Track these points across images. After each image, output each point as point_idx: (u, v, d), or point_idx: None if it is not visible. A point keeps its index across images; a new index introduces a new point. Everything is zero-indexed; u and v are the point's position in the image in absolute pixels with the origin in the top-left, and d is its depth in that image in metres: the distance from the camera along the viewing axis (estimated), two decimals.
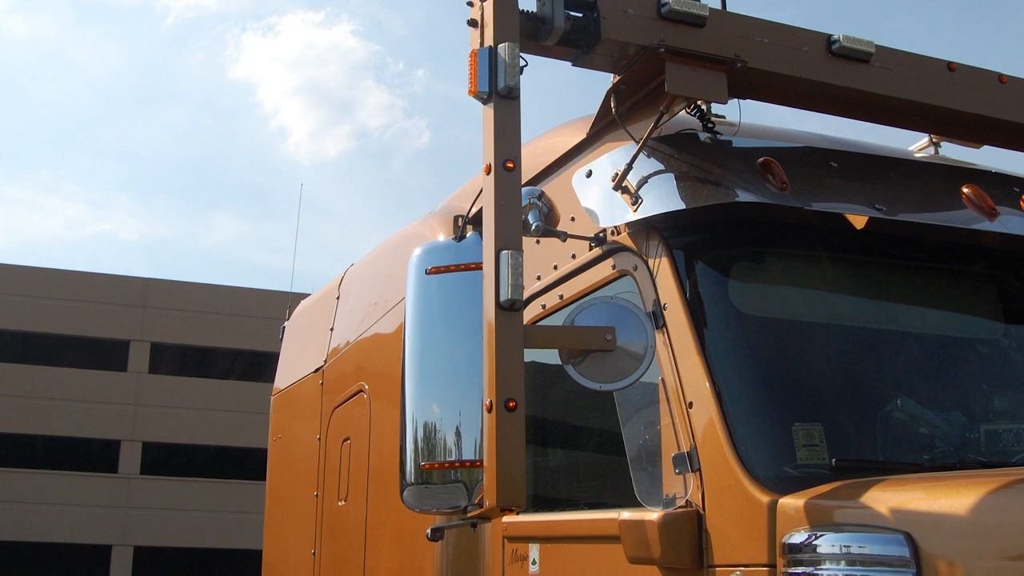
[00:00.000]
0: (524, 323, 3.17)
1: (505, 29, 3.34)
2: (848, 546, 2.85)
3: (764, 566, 3.03)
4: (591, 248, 4.03)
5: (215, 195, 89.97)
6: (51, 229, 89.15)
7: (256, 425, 26.57)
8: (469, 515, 3.92)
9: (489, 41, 3.33)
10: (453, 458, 3.96)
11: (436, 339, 4.14)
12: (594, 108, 4.10)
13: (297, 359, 8.10)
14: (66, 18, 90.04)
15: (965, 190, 3.99)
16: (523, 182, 3.43)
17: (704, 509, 3.28)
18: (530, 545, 4.19)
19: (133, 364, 45.44)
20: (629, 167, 3.75)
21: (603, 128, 4.19)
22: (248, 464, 41.28)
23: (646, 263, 3.74)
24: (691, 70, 3.63)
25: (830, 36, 3.92)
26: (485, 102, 3.32)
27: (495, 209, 3.20)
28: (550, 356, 3.80)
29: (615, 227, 3.89)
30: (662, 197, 3.66)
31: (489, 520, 4.30)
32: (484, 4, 3.41)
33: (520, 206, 3.32)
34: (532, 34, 3.61)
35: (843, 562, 2.84)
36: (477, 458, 3.79)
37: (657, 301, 3.65)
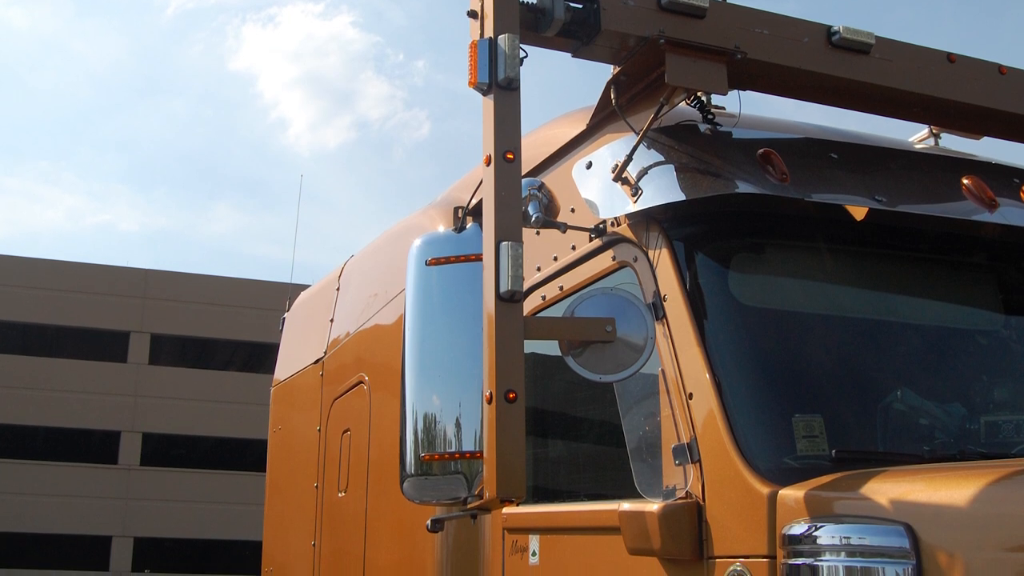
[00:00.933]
0: (524, 314, 3.17)
1: (505, 20, 3.34)
2: (848, 537, 2.85)
3: (764, 557, 3.04)
4: (591, 239, 4.02)
5: (215, 186, 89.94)
6: (51, 220, 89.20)
7: (256, 416, 26.59)
8: (469, 506, 3.91)
9: (489, 32, 3.33)
10: (453, 449, 3.96)
11: (436, 330, 4.14)
12: (594, 99, 4.09)
13: (297, 350, 8.10)
14: (66, 9, 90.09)
15: (965, 181, 3.98)
16: (523, 173, 3.43)
17: (704, 500, 3.28)
18: (530, 536, 4.20)
19: (133, 355, 45.51)
20: (629, 158, 3.75)
21: (603, 119, 4.18)
22: (248, 455, 41.33)
23: (646, 254, 3.74)
24: (691, 61, 3.62)
25: (830, 27, 3.92)
26: (485, 93, 3.32)
27: (495, 200, 3.20)
28: (550, 347, 3.80)
29: (615, 218, 3.88)
30: (662, 188, 3.65)
31: (489, 511, 4.29)
32: None
33: (520, 197, 3.32)
34: (532, 25, 3.61)
35: (843, 553, 2.84)
36: (477, 449, 3.80)
37: (657, 292, 3.65)
